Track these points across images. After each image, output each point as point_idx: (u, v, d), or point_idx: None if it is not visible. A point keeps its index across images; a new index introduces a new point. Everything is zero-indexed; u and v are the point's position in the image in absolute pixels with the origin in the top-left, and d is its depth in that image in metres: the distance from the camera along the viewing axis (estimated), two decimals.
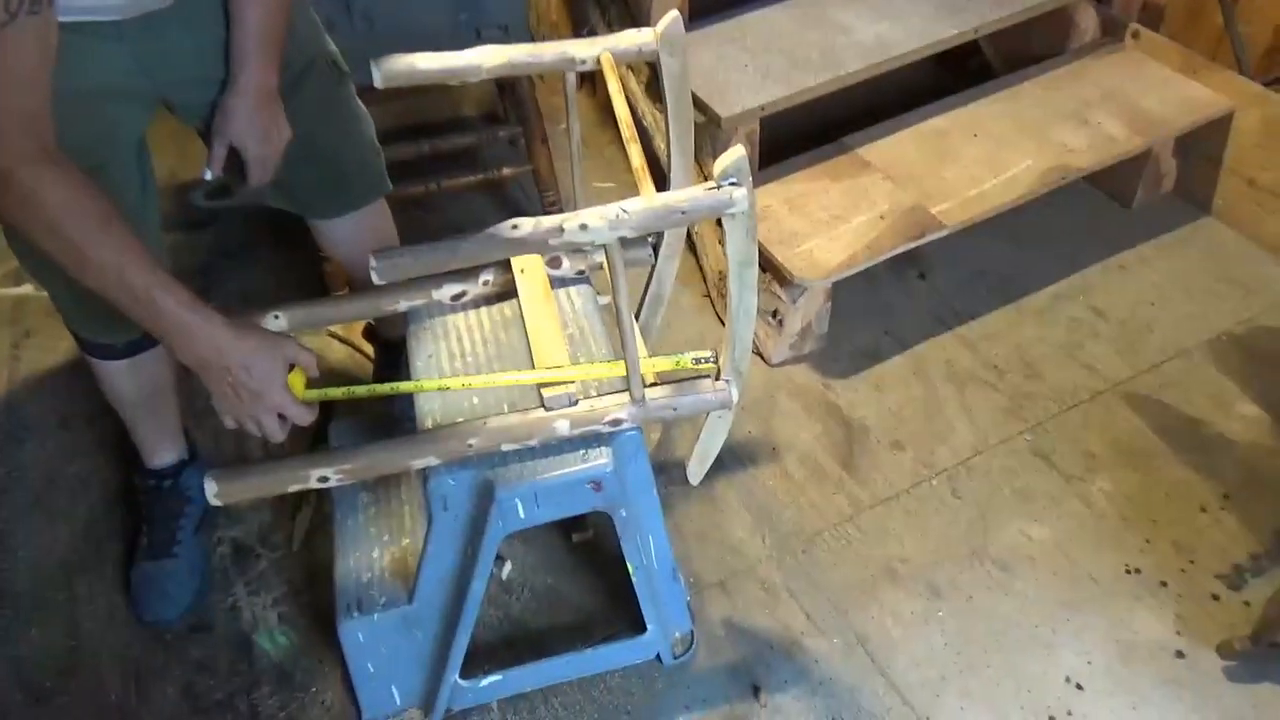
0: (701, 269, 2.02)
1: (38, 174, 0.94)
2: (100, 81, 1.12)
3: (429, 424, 1.19)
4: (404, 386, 1.20)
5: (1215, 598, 1.50)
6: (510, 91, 2.05)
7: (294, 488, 1.13)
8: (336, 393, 1.17)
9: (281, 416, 1.12)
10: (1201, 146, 2.07)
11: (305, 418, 1.12)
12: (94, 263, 0.99)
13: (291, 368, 1.12)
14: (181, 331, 1.04)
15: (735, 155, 0.99)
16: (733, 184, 1.00)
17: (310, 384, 1.16)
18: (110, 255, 0.99)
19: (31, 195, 0.94)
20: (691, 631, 1.45)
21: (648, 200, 1.01)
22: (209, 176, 1.26)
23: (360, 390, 1.18)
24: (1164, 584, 1.52)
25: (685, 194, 1.00)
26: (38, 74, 0.92)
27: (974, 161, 1.91)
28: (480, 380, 1.20)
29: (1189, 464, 1.67)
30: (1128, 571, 1.53)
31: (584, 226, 0.99)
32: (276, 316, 1.28)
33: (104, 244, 0.99)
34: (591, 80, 2.51)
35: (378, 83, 1.20)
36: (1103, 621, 1.48)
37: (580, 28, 2.27)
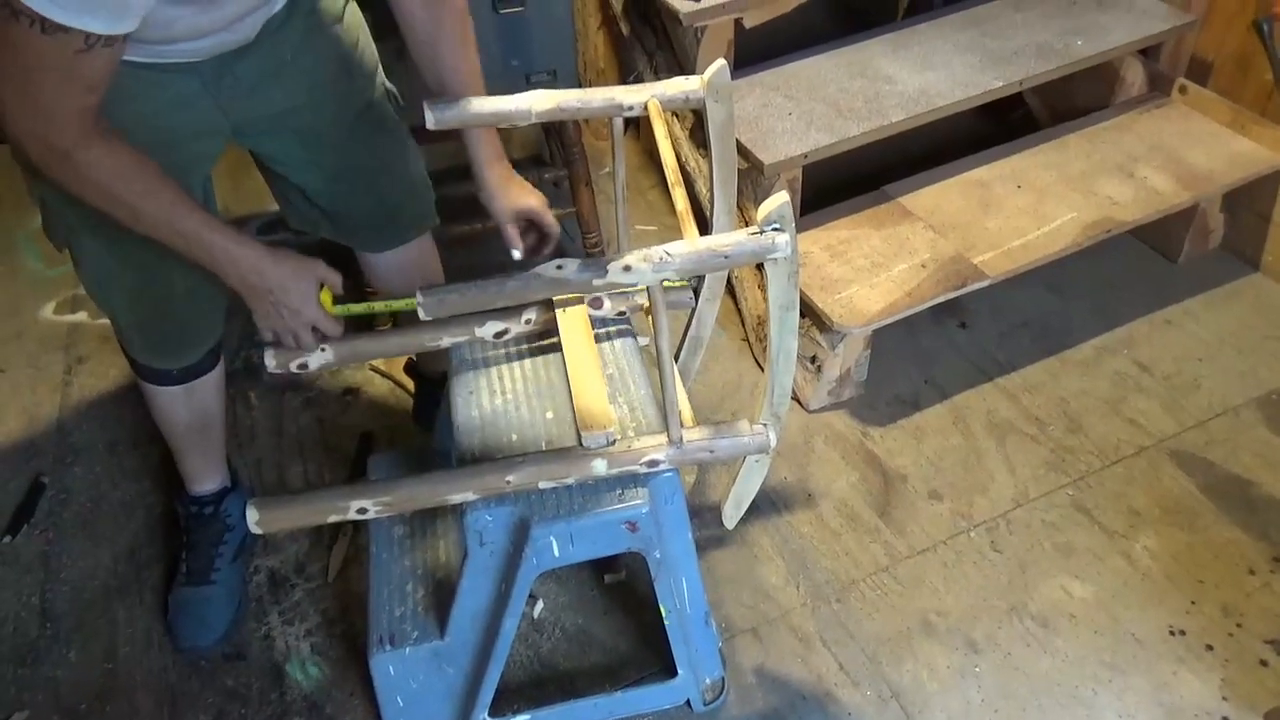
0: (740, 312, 2.03)
1: (90, 151, 1.03)
2: (184, 120, 1.19)
3: (468, 459, 1.20)
4: (395, 305, 1.32)
5: (1264, 664, 1.45)
6: (557, 135, 2.08)
7: (333, 518, 1.15)
8: (359, 308, 1.30)
9: (315, 330, 1.23)
10: (1250, 202, 2.04)
11: (335, 330, 1.24)
12: (147, 217, 1.09)
13: (321, 287, 1.22)
14: (229, 261, 1.14)
15: (779, 201, 1.00)
16: (776, 229, 1.01)
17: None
18: (160, 209, 1.09)
19: (86, 169, 1.04)
20: (723, 678, 1.44)
21: (691, 243, 1.02)
22: (517, 256, 1.35)
23: (378, 305, 1.33)
24: (1210, 647, 1.48)
25: (729, 238, 1.02)
26: (103, 82, 1.00)
27: (1017, 212, 1.90)
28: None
29: (1237, 524, 1.63)
30: (1172, 633, 1.50)
31: (628, 268, 1.00)
32: (323, 349, 1.30)
33: (154, 201, 1.08)
34: (636, 125, 2.55)
35: (430, 125, 1.23)
36: (1146, 684, 1.44)
37: (627, 74, 2.32)
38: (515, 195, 1.32)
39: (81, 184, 1.05)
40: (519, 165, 2.46)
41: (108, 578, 1.65)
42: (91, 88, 0.99)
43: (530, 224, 1.35)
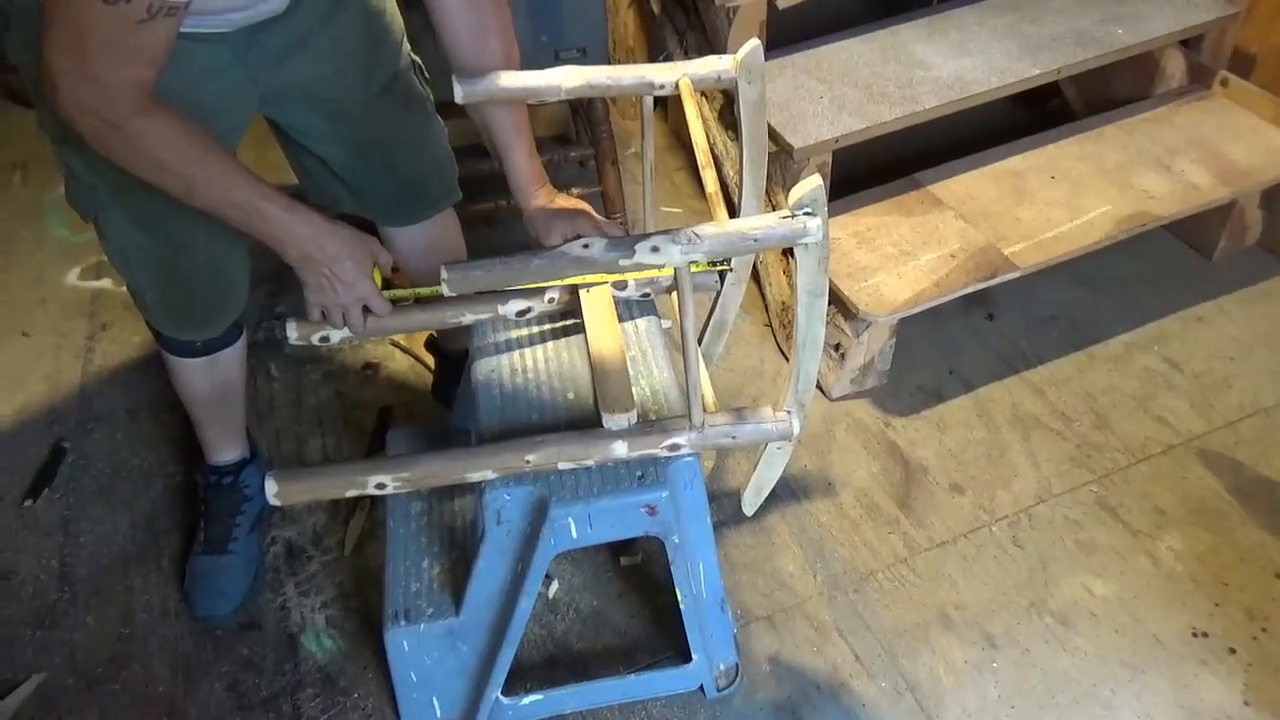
0: (764, 298, 2.01)
1: (144, 123, 1.01)
2: (214, 91, 1.18)
3: (488, 437, 1.19)
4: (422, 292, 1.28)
5: None
6: (584, 113, 2.06)
7: (352, 492, 1.14)
8: (402, 293, 1.29)
9: (364, 309, 1.21)
10: None
11: (384, 308, 1.23)
12: (201, 188, 1.07)
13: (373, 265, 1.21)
14: (286, 232, 1.12)
15: (811, 185, 0.98)
16: (808, 213, 0.99)
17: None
18: (215, 180, 1.07)
19: (141, 141, 1.02)
20: (737, 665, 1.43)
21: (721, 226, 1.00)
22: None
23: (424, 290, 1.28)
24: (1233, 650, 1.45)
25: (759, 221, 1.00)
26: (161, 56, 0.99)
27: (1050, 203, 1.87)
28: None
29: (1265, 527, 1.60)
30: (1195, 635, 1.48)
31: (656, 249, 0.98)
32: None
33: (208, 171, 1.07)
34: (662, 105, 2.52)
35: (459, 98, 1.21)
36: (1166, 685, 1.42)
37: (657, 54, 2.29)
38: (564, 223, 1.20)
39: (135, 157, 1.04)
40: (544, 144, 2.45)
41: (126, 544, 1.65)
42: (151, 60, 0.98)
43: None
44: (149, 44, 0.96)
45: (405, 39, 1.37)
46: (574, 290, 1.33)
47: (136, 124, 1.00)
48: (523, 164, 1.26)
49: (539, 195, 1.26)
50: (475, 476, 1.15)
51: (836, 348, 1.80)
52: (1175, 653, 1.45)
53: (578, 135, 2.30)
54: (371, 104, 1.32)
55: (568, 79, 1.25)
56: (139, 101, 0.99)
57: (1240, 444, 1.73)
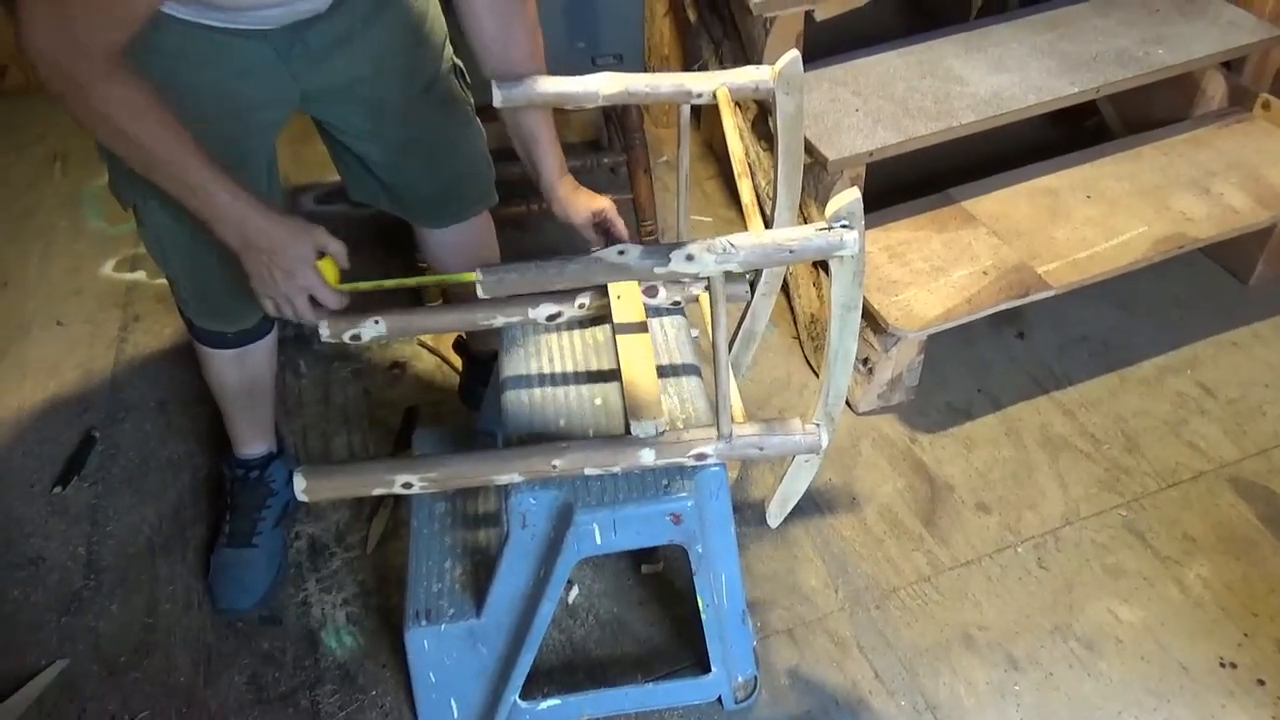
0: (793, 309, 2.00)
1: (109, 87, 1.01)
2: (255, 86, 1.19)
3: (515, 441, 1.19)
4: (408, 282, 1.24)
5: None
6: (618, 120, 2.07)
7: (379, 491, 1.15)
8: (366, 285, 1.20)
9: (312, 299, 1.17)
10: None
11: (333, 300, 1.17)
12: (159, 160, 1.07)
13: (322, 256, 1.17)
14: (227, 217, 1.10)
15: (849, 198, 0.98)
16: (844, 226, 0.98)
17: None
18: (171, 153, 1.07)
19: (104, 105, 1.02)
20: (756, 677, 1.42)
21: (756, 236, 1.00)
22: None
23: (389, 283, 1.22)
24: (1261, 682, 1.43)
25: (795, 233, 0.99)
26: (140, 21, 1.00)
27: (1086, 223, 1.85)
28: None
29: None
30: (1223, 665, 1.45)
31: (690, 257, 0.98)
32: (376, 321, 1.30)
33: (166, 147, 1.06)
34: (694, 114, 2.52)
35: (497, 102, 1.22)
36: (1192, 715, 1.40)
37: (692, 62, 2.29)
38: (587, 201, 1.31)
39: (92, 117, 1.03)
40: (576, 149, 2.46)
41: (152, 534, 1.67)
42: (128, 24, 0.99)
43: (599, 226, 1.33)
44: (128, 8, 0.97)
45: (448, 42, 1.38)
46: (605, 296, 1.33)
47: (102, 89, 1.00)
48: (550, 153, 1.29)
49: (564, 183, 1.31)
50: (501, 479, 1.15)
51: (865, 362, 1.79)
52: (1202, 683, 1.43)
53: (610, 142, 2.30)
54: (412, 104, 1.33)
55: (606, 86, 1.25)
56: (109, 66, 0.99)
57: (1273, 472, 1.71)
